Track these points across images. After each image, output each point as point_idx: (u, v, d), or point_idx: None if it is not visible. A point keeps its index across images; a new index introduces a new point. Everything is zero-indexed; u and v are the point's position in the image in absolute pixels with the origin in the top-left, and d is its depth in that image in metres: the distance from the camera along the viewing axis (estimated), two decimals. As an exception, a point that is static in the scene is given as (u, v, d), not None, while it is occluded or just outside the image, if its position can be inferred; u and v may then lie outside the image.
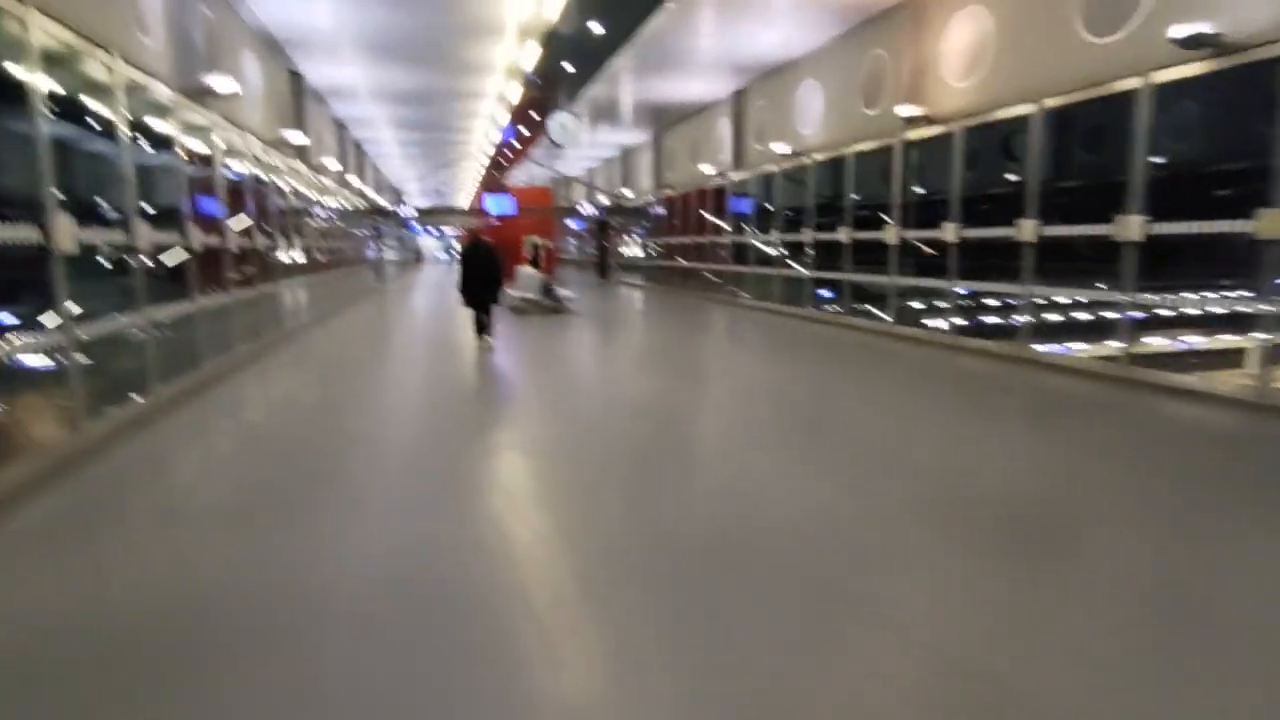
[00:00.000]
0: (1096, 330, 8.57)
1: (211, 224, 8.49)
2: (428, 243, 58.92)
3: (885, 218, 11.32)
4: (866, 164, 12.12)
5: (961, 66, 9.80)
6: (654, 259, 24.20)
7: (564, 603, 3.12)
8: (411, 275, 36.29)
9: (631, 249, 28.62)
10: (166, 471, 5.23)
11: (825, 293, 13.63)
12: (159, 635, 2.83)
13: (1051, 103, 8.38)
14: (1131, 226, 7.33)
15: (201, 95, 8.20)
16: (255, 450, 5.75)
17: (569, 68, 13.59)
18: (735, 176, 17.17)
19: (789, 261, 14.74)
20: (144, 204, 6.55)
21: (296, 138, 12.74)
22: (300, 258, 13.30)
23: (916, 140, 10.74)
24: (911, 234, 10.89)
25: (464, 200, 43.96)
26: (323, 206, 16.11)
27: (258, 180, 10.59)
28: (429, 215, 32.62)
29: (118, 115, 6.16)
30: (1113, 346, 7.86)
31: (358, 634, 2.83)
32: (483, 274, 10.12)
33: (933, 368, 8.95)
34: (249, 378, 8.50)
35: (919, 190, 10.87)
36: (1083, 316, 9.06)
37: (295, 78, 14.62)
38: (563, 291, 15.78)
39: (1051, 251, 8.50)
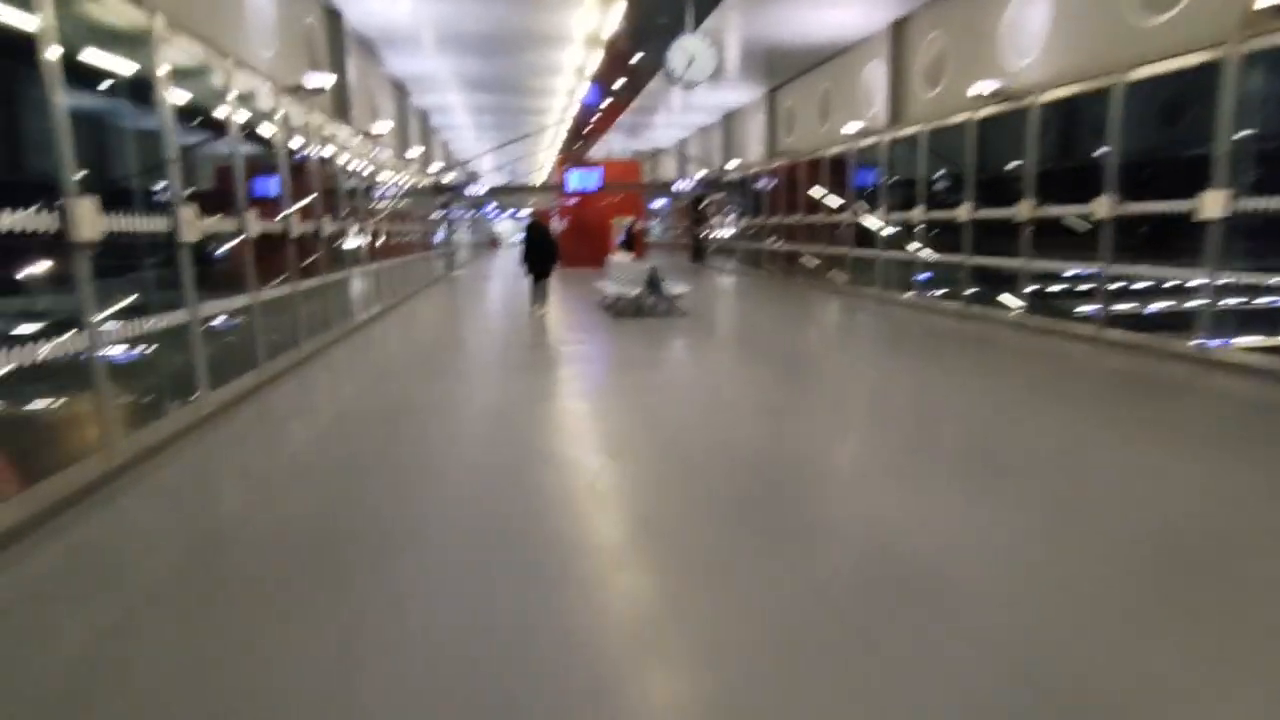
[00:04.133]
0: None
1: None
2: (503, 226, 56.07)
3: (1195, 178, 7.23)
4: (1147, 98, 8.04)
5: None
6: (758, 241, 20.37)
7: None
8: (484, 262, 33.46)
9: (723, 230, 24.82)
10: None
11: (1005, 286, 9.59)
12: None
13: None
14: None
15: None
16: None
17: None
18: (892, 135, 13.16)
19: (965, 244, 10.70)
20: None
21: (319, 81, 9.11)
22: (347, 244, 10.16)
23: (1272, 50, 6.62)
24: (1257, 202, 6.80)
25: (540, 178, 40.97)
26: (367, 179, 12.96)
27: (251, 134, 7.38)
28: (503, 194, 29.50)
29: None
30: None
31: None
32: (541, 250, 12.06)
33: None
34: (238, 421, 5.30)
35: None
36: None
37: (332, 16, 11.44)
38: (673, 287, 12.05)
39: None
